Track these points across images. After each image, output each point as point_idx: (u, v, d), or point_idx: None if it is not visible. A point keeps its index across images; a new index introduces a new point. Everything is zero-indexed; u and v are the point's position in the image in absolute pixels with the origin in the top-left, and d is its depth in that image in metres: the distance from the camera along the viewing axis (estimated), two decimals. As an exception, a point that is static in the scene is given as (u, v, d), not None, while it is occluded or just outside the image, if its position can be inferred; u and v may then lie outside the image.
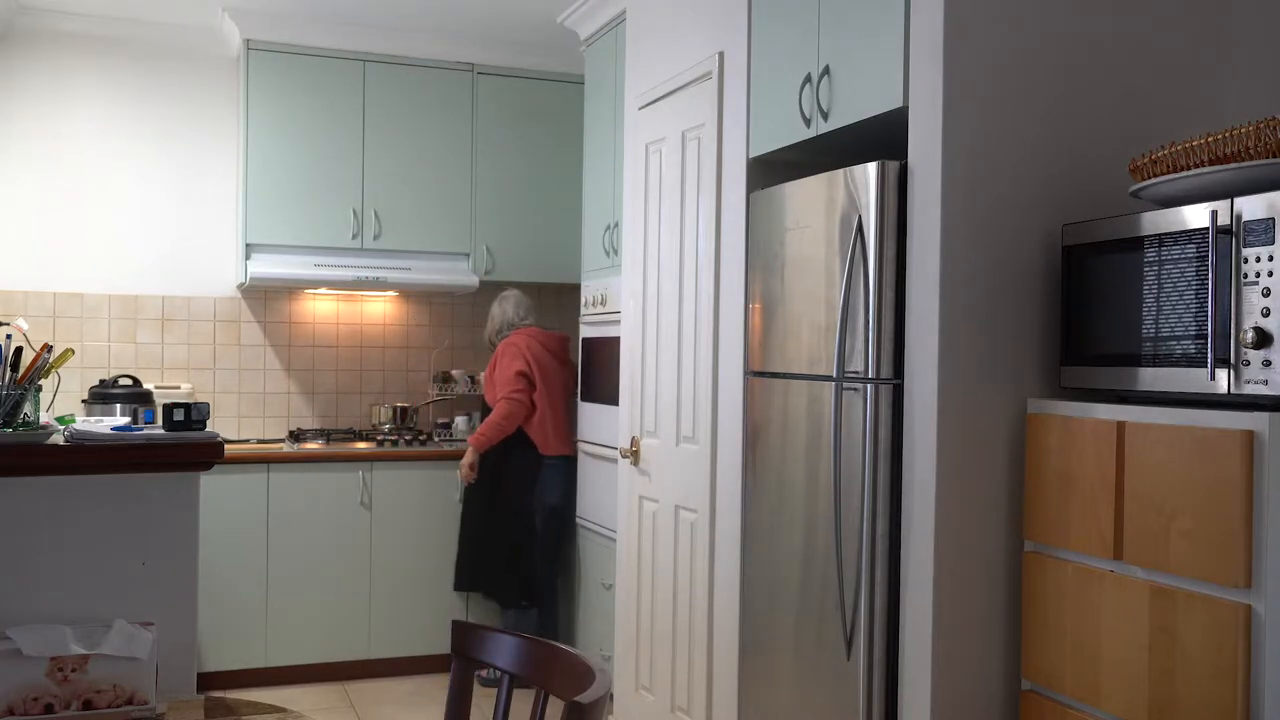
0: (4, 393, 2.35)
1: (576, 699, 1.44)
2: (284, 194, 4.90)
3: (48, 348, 2.48)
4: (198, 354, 5.15)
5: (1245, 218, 1.92)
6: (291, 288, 5.14)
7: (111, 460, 2.37)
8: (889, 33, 2.52)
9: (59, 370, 2.53)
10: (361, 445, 4.94)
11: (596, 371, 4.49)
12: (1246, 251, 1.92)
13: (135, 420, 2.73)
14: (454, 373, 5.40)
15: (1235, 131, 2.00)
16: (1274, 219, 1.87)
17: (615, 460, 4.07)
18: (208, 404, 2.51)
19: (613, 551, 4.10)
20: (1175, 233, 2.06)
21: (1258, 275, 1.89)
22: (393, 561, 4.77)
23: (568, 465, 4.68)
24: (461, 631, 1.87)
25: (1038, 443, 2.33)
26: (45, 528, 2.35)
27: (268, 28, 4.87)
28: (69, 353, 2.61)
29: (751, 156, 3.13)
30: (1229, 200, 1.96)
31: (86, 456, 2.35)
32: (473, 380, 5.40)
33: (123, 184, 5.03)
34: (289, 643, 4.65)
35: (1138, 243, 2.15)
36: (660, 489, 3.64)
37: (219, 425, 4.90)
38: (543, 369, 4.64)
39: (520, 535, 4.65)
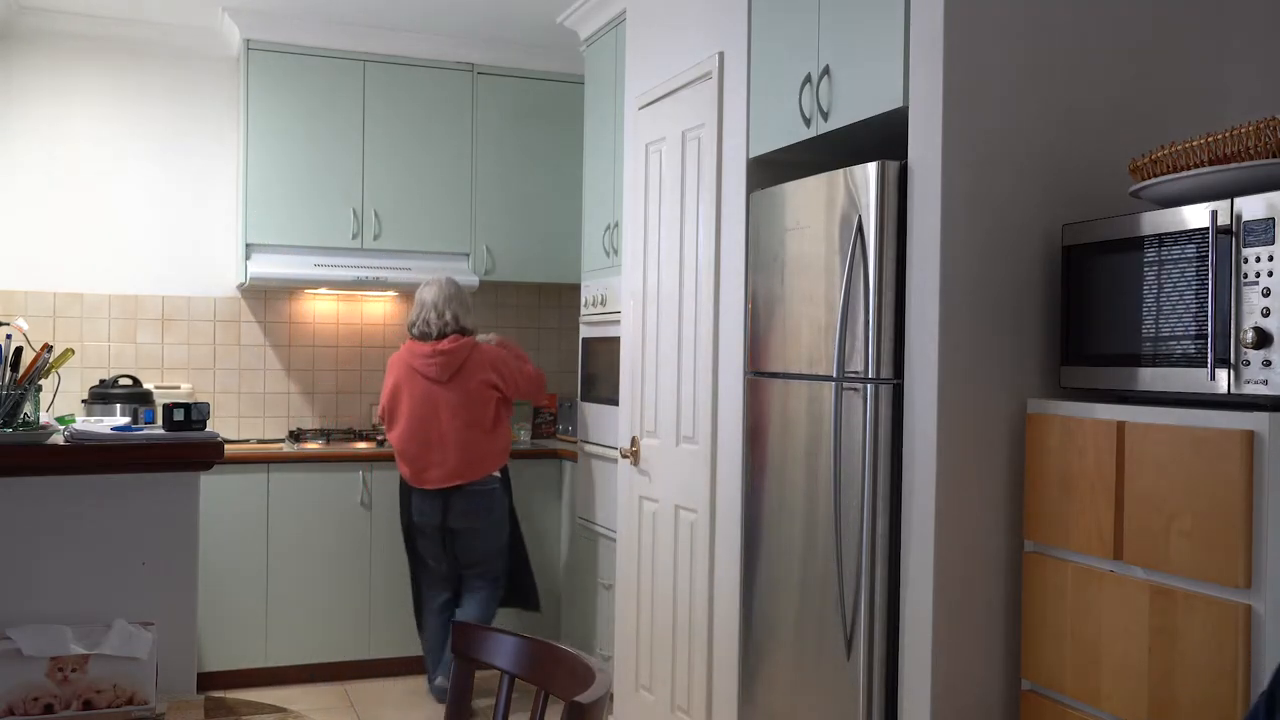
0: (4, 393, 2.35)
1: (576, 699, 1.44)
2: (284, 194, 4.90)
3: (48, 348, 2.48)
4: (198, 354, 5.15)
5: (1245, 218, 1.92)
6: (291, 288, 5.15)
7: (111, 460, 2.37)
8: (889, 33, 2.52)
9: (59, 370, 2.52)
10: (361, 445, 4.93)
11: (596, 371, 4.49)
12: (1246, 251, 1.92)
13: (135, 420, 2.73)
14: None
15: (1235, 131, 2.00)
16: (1274, 219, 1.87)
17: (615, 460, 4.07)
18: (208, 404, 2.51)
19: (613, 551, 4.10)
20: (1175, 233, 2.06)
21: (1258, 275, 1.89)
22: (393, 561, 4.75)
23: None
24: (461, 631, 1.87)
25: (1038, 443, 2.33)
26: (45, 528, 2.35)
27: (268, 28, 4.87)
28: (69, 353, 2.61)
29: (751, 156, 3.13)
30: (1229, 200, 1.95)
31: (86, 456, 2.35)
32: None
33: (123, 184, 5.03)
34: (289, 643, 4.65)
35: (1138, 243, 2.15)
36: (660, 489, 3.64)
37: (219, 425, 4.90)
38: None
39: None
